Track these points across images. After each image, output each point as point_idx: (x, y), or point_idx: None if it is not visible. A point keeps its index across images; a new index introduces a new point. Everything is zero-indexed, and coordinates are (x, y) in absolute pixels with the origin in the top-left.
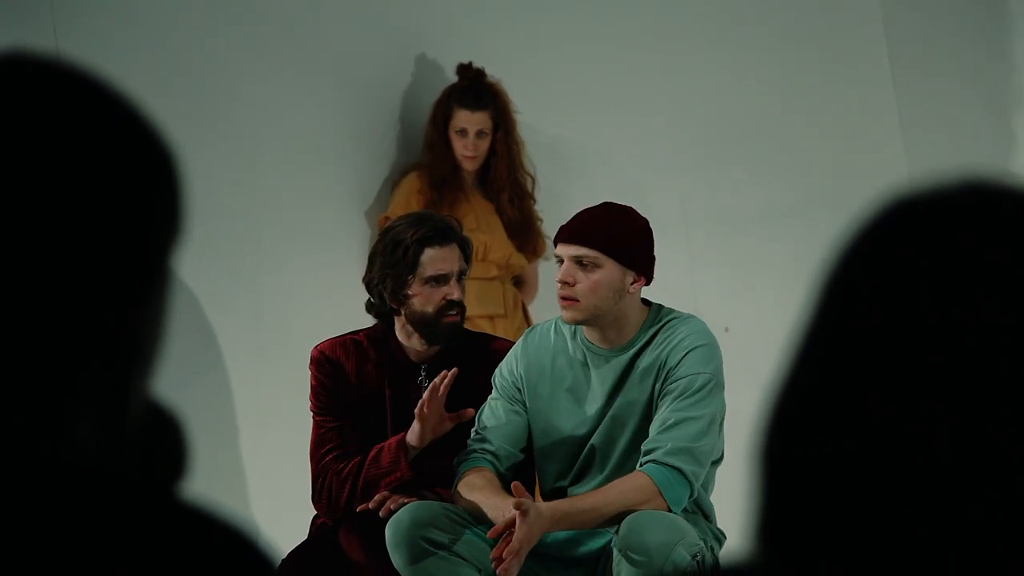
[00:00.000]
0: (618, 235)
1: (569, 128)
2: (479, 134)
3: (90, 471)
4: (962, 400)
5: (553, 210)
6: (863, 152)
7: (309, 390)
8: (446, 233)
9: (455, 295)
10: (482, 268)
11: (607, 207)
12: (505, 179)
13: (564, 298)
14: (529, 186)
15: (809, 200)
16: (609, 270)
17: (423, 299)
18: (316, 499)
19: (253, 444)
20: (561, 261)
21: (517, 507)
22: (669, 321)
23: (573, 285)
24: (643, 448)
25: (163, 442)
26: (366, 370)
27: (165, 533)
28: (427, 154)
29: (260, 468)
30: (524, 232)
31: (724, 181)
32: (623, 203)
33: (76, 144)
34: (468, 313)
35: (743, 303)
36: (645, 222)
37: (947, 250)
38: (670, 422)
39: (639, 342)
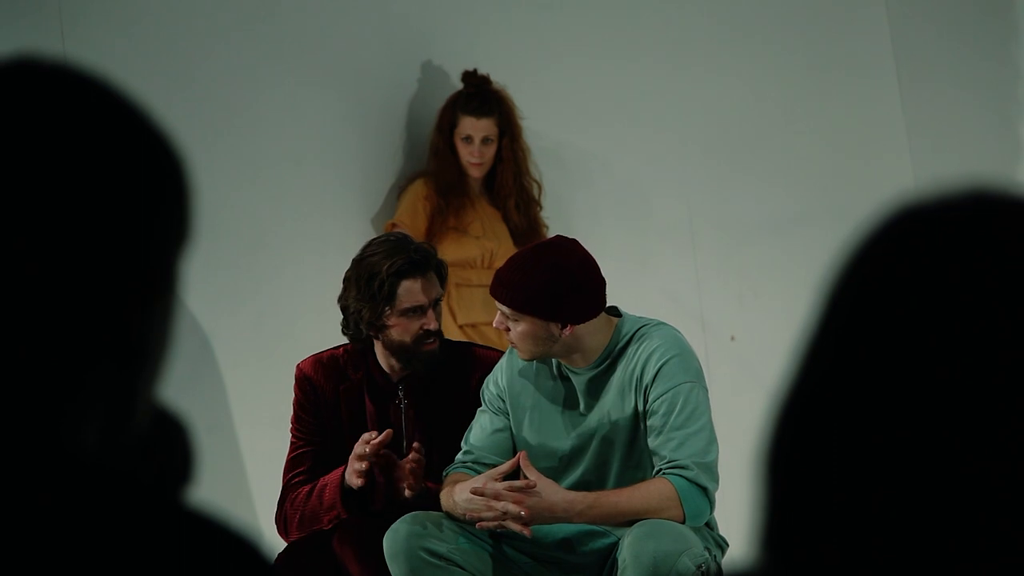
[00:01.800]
0: (532, 294)
1: (574, 136)
2: (484, 141)
3: (95, 476)
4: (968, 409)
5: (558, 217)
6: (869, 161)
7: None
8: (420, 264)
9: (432, 325)
10: (488, 275)
11: (529, 258)
12: (511, 185)
13: (510, 340)
14: (535, 192)
15: (815, 209)
16: (529, 323)
17: (401, 330)
18: (276, 518)
19: (256, 448)
20: None
21: (526, 472)
22: (637, 332)
23: (509, 331)
24: (664, 461)
25: (170, 447)
26: (343, 388)
27: (169, 538)
28: (433, 161)
29: (263, 472)
30: (530, 238)
31: (730, 190)
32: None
33: (85, 148)
34: (474, 320)
35: (749, 311)
36: (571, 268)
37: (953, 259)
38: (675, 441)
39: (607, 359)
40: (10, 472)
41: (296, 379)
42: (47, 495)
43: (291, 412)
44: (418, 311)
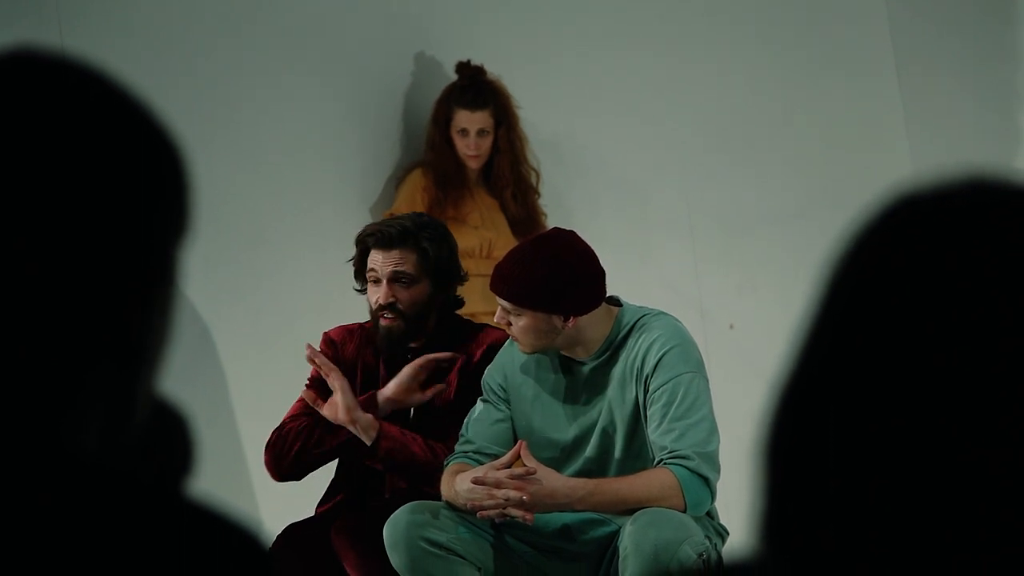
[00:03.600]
0: (533, 288)
1: (572, 127)
2: (480, 133)
3: (95, 476)
4: (966, 398)
5: (556, 209)
6: (868, 152)
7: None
8: (385, 238)
9: (383, 299)
10: (487, 265)
11: (527, 252)
12: (508, 176)
13: (512, 335)
14: (533, 180)
15: (814, 201)
16: (531, 317)
17: (368, 298)
18: (267, 448)
19: (256, 440)
20: None
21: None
22: (637, 322)
23: (510, 326)
24: (665, 451)
25: (170, 440)
26: (366, 351)
27: (169, 530)
28: (430, 154)
29: (263, 464)
30: (528, 228)
31: (729, 181)
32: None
33: (84, 143)
34: (474, 310)
35: (748, 301)
36: (570, 259)
37: (951, 247)
38: (676, 432)
39: (609, 349)
40: (10, 472)
41: (322, 341)
42: (47, 495)
43: (299, 392)
44: (375, 281)
